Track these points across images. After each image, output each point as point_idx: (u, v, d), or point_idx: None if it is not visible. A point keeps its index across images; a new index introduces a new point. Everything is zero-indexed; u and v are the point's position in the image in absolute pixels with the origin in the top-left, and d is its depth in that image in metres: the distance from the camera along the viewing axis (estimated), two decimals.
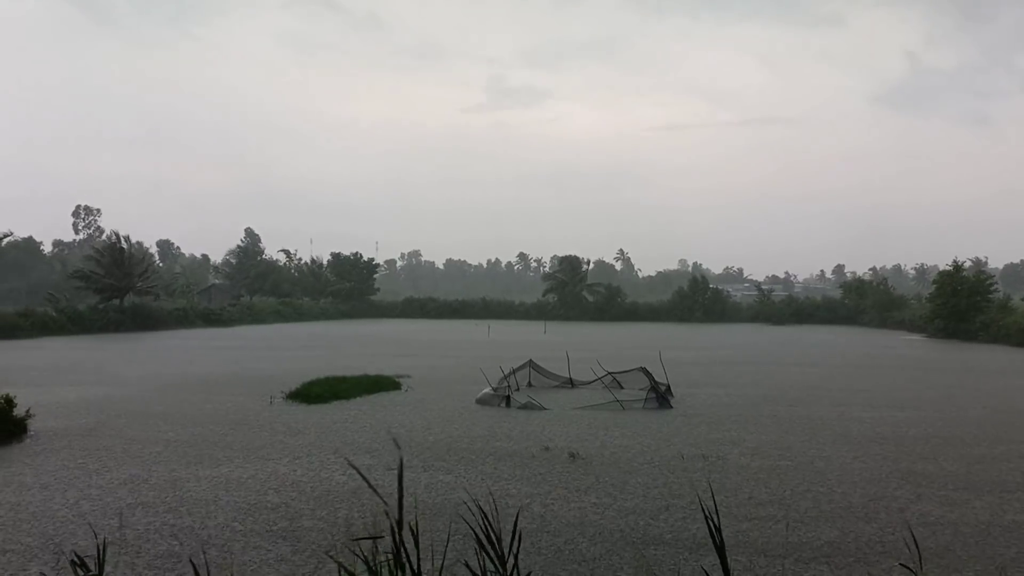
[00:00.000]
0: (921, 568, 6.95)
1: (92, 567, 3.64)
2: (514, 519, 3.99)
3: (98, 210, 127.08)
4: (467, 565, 3.59)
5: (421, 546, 3.80)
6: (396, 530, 3.57)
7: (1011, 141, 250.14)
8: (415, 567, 3.59)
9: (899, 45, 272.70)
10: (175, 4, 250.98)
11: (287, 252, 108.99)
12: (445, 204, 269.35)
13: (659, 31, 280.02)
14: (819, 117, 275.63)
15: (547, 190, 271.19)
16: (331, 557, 7.09)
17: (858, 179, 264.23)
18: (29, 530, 8.31)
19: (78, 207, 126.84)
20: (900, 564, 7.03)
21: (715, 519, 3.53)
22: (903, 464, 11.80)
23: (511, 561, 3.63)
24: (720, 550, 3.42)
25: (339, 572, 3.75)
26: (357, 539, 4.07)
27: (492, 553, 3.72)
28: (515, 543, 3.57)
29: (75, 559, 3.70)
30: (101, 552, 3.63)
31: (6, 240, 54.57)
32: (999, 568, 7.24)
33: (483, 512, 3.65)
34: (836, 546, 7.88)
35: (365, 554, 3.44)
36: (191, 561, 3.75)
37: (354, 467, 4.60)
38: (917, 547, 5.01)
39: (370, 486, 3.38)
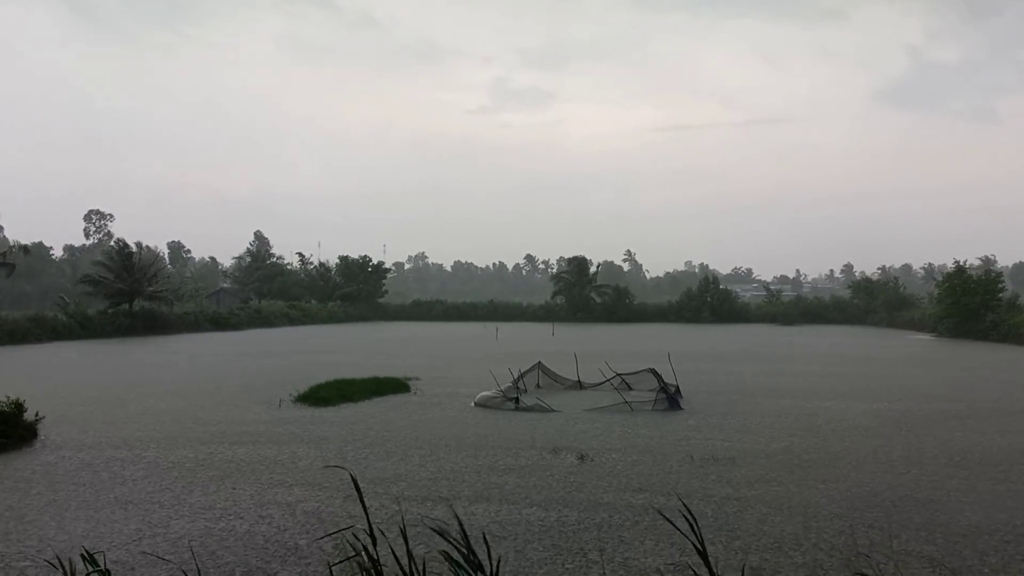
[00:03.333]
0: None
1: (102, 564, 3.65)
2: (520, 522, 3.98)
3: (110, 215, 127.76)
4: (482, 565, 3.56)
5: (416, 554, 3.79)
6: (371, 544, 3.55)
7: (1019, 137, 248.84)
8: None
9: (902, 39, 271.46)
10: (165, 3, 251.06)
11: (302, 256, 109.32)
12: (451, 206, 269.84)
13: (657, 27, 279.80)
14: (823, 115, 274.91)
15: (554, 191, 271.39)
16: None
17: (865, 177, 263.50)
18: (34, 535, 8.33)
19: (90, 212, 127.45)
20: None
21: (696, 528, 3.52)
22: (926, 458, 11.74)
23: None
24: (703, 555, 3.41)
25: None
26: (336, 562, 4.07)
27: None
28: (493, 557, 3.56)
29: (84, 554, 3.71)
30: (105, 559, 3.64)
31: (14, 250, 54.86)
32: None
33: (462, 532, 3.65)
34: (850, 551, 7.82)
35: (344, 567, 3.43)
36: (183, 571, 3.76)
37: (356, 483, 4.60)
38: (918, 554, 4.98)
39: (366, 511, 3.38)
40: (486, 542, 3.90)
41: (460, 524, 3.57)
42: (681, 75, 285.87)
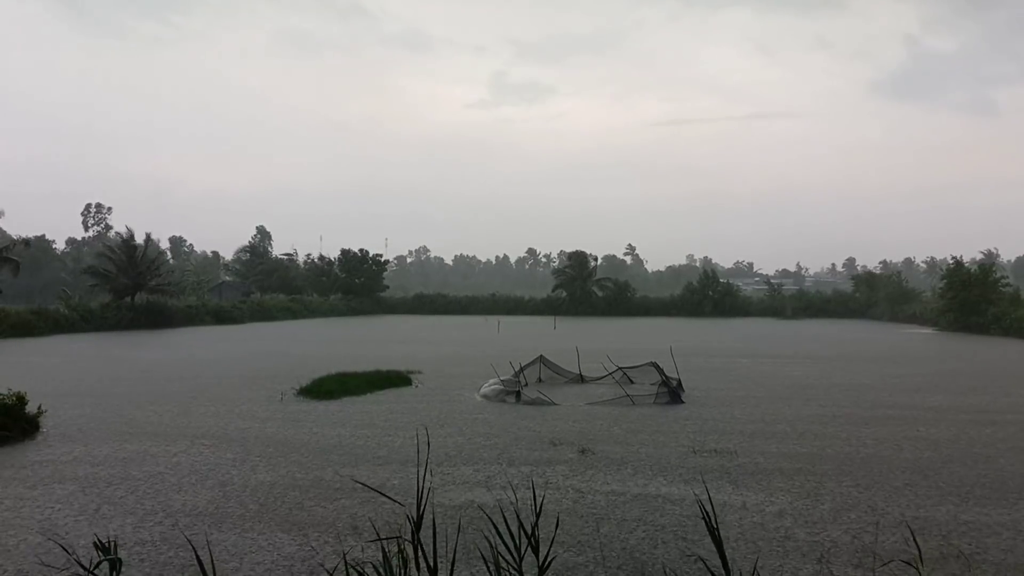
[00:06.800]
0: (922, 564, 6.89)
1: (113, 552, 3.65)
2: (531, 515, 3.99)
3: (108, 208, 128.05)
4: (484, 559, 3.58)
5: (427, 543, 3.80)
6: (414, 530, 3.56)
7: (1019, 130, 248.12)
8: (432, 565, 3.59)
9: (899, 28, 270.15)
10: None
11: (308, 256, 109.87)
12: (453, 200, 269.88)
13: (651, 17, 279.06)
14: (823, 108, 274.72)
15: (554, 185, 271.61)
16: (352, 563, 7.08)
17: (866, 171, 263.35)
18: (38, 528, 8.34)
19: (88, 205, 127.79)
20: (903, 561, 6.95)
21: (712, 518, 3.52)
22: (934, 450, 11.75)
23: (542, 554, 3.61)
24: (719, 545, 3.42)
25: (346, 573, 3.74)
26: (374, 540, 4.08)
27: (510, 547, 3.71)
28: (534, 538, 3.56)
29: (97, 542, 3.72)
30: (115, 548, 3.64)
31: (16, 244, 54.95)
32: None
33: (500, 508, 3.65)
34: (844, 545, 7.83)
35: (379, 554, 3.45)
36: (198, 558, 3.77)
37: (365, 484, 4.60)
38: (918, 545, 4.98)
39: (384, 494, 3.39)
40: (530, 535, 3.93)
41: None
42: (679, 68, 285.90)
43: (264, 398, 18.19)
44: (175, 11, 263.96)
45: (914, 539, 5.49)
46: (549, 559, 3.67)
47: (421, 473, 3.84)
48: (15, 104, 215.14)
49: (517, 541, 3.71)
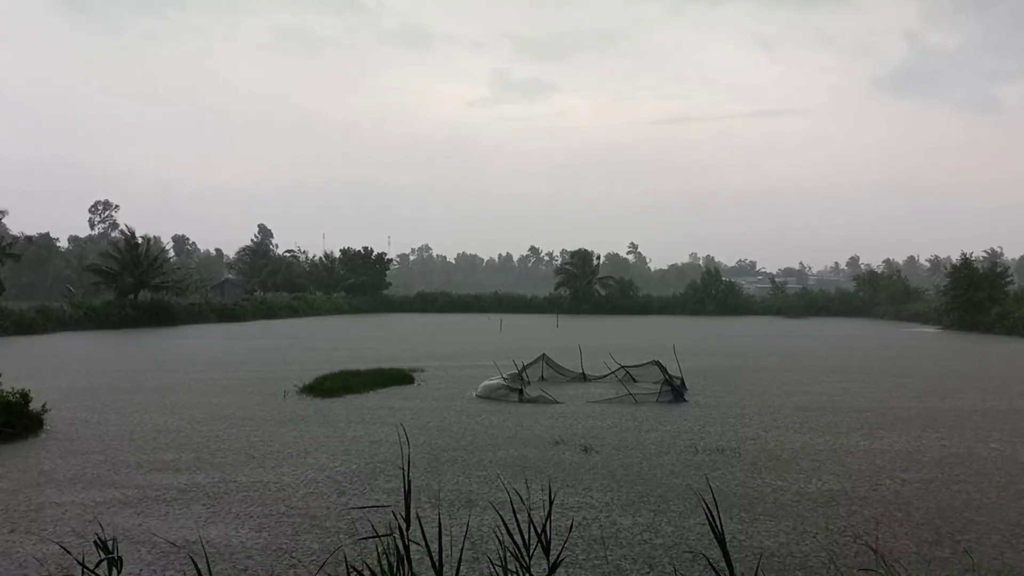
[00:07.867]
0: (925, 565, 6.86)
1: (112, 551, 3.64)
2: (531, 514, 3.97)
3: (116, 205, 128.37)
4: (490, 559, 3.57)
5: (430, 542, 3.79)
6: (404, 529, 3.55)
7: (1022, 127, 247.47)
8: (436, 563, 3.58)
9: (900, 24, 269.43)
10: None
11: (305, 253, 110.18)
12: (455, 198, 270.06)
13: (648, 13, 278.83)
14: (825, 105, 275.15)
15: (557, 183, 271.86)
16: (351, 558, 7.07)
17: (869, 169, 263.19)
18: (41, 526, 8.35)
19: (96, 202, 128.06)
20: (904, 563, 6.93)
21: (716, 514, 3.51)
22: (937, 450, 11.72)
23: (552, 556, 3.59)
24: (721, 543, 3.40)
25: (347, 572, 3.73)
26: (363, 538, 4.06)
27: (519, 546, 3.70)
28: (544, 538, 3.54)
29: (97, 541, 3.71)
30: (115, 547, 3.63)
31: (20, 239, 55.27)
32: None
33: (511, 505, 3.63)
34: (847, 545, 7.81)
35: (372, 554, 3.43)
36: (192, 560, 3.76)
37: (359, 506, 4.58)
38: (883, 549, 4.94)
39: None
40: (542, 535, 3.91)
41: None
42: (680, 65, 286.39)
43: (267, 396, 18.19)
44: (171, 5, 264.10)
45: (874, 549, 5.46)
46: (559, 559, 3.65)
47: (406, 471, 3.83)
48: (16, 103, 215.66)
49: (526, 539, 3.70)
